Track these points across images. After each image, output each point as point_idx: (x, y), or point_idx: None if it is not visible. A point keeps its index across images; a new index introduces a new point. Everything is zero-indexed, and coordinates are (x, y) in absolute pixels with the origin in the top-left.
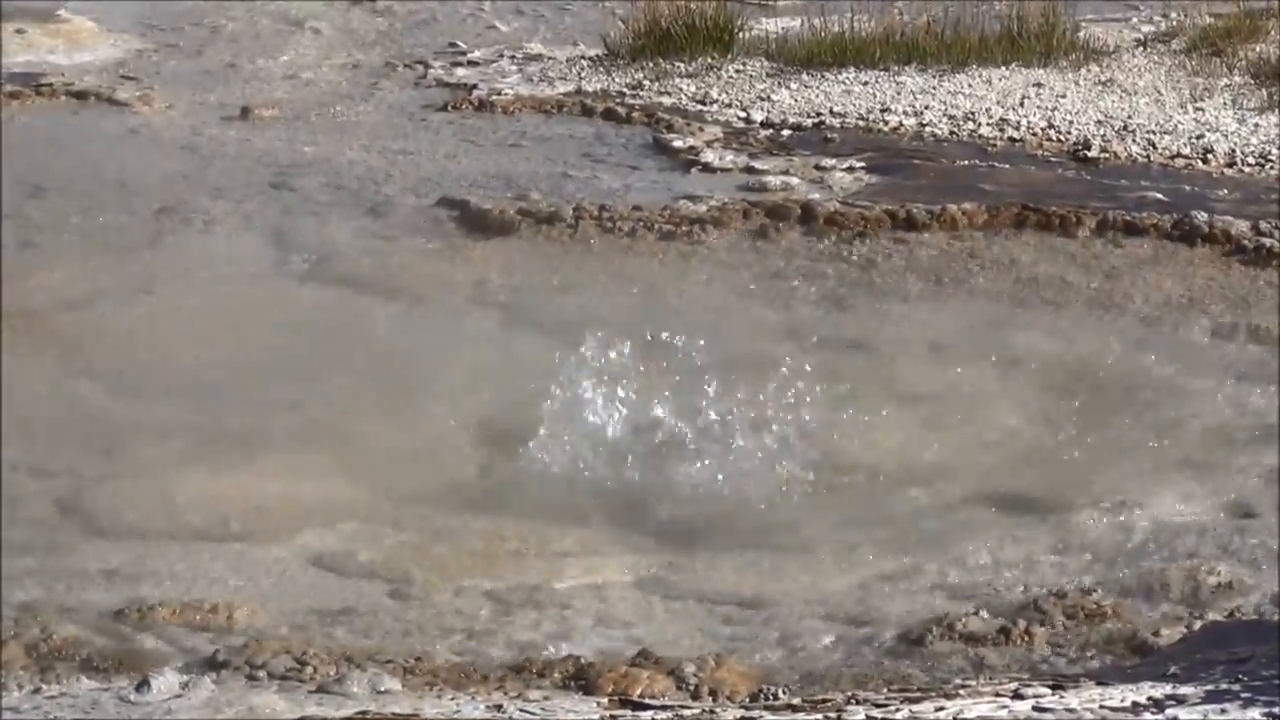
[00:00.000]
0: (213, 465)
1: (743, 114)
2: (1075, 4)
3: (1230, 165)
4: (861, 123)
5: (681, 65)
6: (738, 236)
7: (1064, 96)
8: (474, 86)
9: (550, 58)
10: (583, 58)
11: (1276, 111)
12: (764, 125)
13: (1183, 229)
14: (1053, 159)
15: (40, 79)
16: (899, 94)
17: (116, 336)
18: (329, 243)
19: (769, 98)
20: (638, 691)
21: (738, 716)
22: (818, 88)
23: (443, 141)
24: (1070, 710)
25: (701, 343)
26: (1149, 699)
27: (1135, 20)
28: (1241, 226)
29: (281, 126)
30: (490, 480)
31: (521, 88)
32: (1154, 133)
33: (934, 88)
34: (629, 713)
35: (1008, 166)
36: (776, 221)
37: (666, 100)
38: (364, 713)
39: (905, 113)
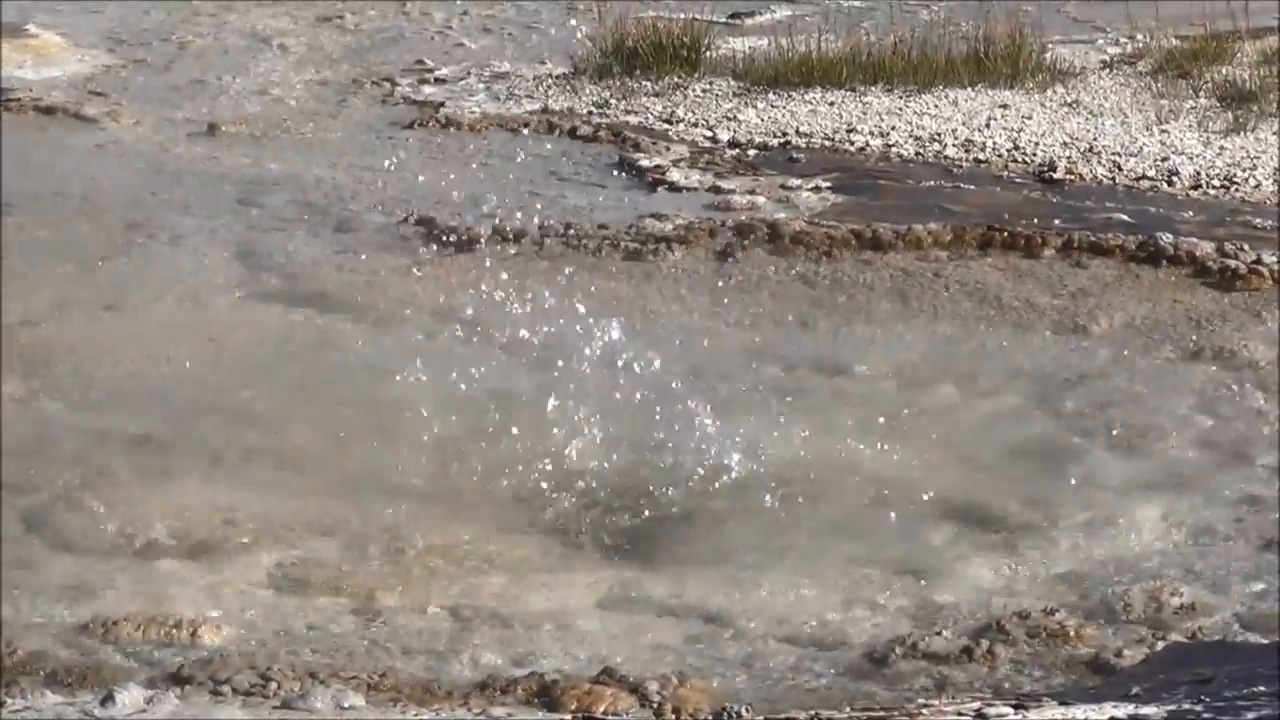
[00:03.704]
0: (178, 481)
1: (709, 133)
2: (1042, 25)
3: (1196, 188)
4: (828, 143)
5: (648, 84)
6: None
7: (1030, 118)
8: (441, 104)
9: (518, 76)
10: (550, 76)
11: (1242, 134)
12: (730, 145)
13: (1148, 250)
14: (1018, 180)
15: (8, 94)
16: (865, 114)
17: (82, 352)
18: (295, 259)
19: (735, 117)
20: (601, 709)
21: None
22: (784, 107)
23: (410, 159)
24: None
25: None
26: (1111, 719)
27: (1101, 42)
28: (1206, 248)
29: (249, 143)
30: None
31: (489, 106)
32: (1120, 154)
33: (900, 108)
34: None
35: (973, 187)
36: (742, 240)
37: (633, 119)
38: None
39: (871, 133)
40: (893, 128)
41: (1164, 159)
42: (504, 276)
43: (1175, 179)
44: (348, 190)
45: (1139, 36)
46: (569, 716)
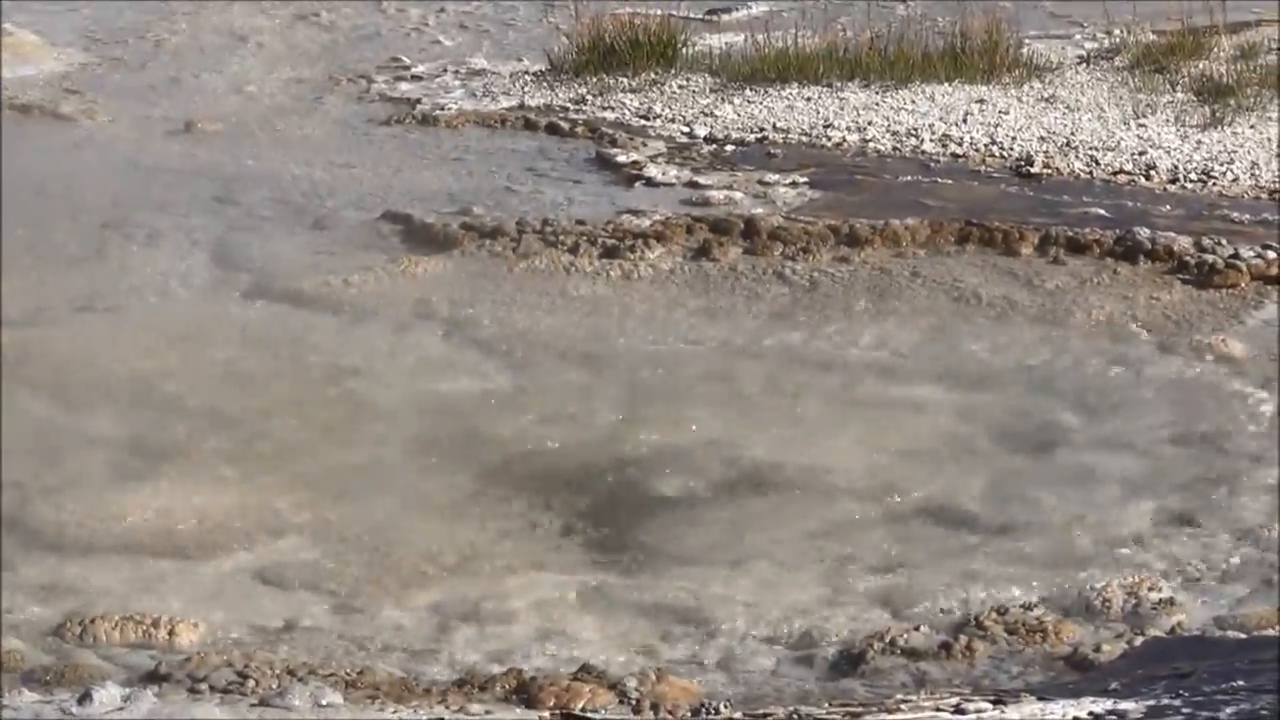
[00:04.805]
0: (155, 480)
1: (686, 129)
2: (1019, 21)
3: (1173, 182)
4: (805, 138)
5: (625, 80)
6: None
7: (1007, 113)
8: (418, 101)
9: (494, 73)
10: (526, 73)
11: (1219, 128)
12: (707, 140)
13: (1125, 245)
14: (996, 175)
15: None
16: (842, 110)
17: (60, 351)
18: (272, 257)
19: (712, 113)
20: (579, 705)
21: None
22: (761, 103)
23: (386, 156)
24: None
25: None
26: (1090, 714)
27: (1079, 37)
28: (1184, 243)
29: (225, 141)
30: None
31: (465, 103)
32: (1097, 149)
33: (877, 104)
34: None
35: (950, 182)
36: (719, 236)
37: (610, 115)
38: None
39: (848, 128)
40: (870, 123)
41: (1141, 153)
42: (480, 273)
43: (1153, 173)
44: (324, 187)
45: (1116, 32)
46: (546, 713)
